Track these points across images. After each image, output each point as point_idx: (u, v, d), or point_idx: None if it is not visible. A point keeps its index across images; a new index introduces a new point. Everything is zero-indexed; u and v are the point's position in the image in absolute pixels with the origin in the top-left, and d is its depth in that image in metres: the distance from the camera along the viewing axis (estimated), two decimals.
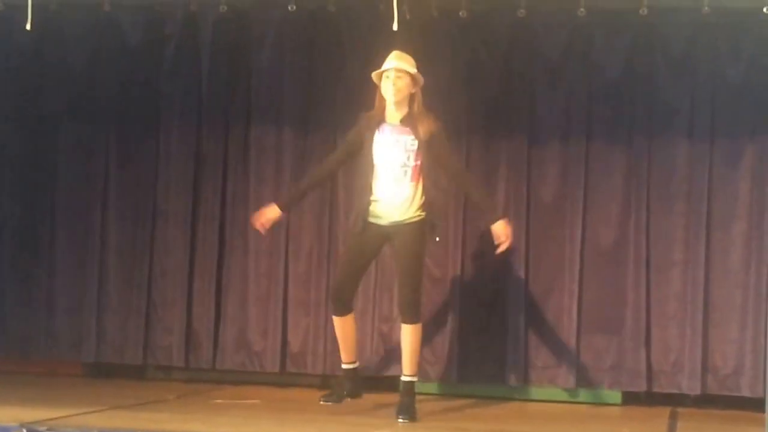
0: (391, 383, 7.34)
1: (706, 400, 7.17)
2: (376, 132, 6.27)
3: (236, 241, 7.72)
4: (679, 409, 7.08)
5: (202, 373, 7.72)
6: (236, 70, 7.76)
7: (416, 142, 6.20)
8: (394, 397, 6.44)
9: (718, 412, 7.06)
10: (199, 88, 7.76)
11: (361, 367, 6.63)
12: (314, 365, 7.52)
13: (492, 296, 7.37)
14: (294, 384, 7.60)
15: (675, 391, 7.18)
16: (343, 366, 6.50)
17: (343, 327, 6.39)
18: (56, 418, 5.80)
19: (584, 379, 7.25)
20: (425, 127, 6.20)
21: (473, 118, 7.40)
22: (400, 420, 6.17)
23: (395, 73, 6.22)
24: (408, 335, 6.23)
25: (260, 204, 7.59)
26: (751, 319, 7.07)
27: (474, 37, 7.32)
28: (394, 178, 6.22)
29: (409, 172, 6.21)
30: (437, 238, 6.39)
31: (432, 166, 6.26)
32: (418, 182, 6.21)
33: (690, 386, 7.11)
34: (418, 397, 6.45)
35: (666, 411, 7.01)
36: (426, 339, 6.80)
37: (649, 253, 7.22)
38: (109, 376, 7.78)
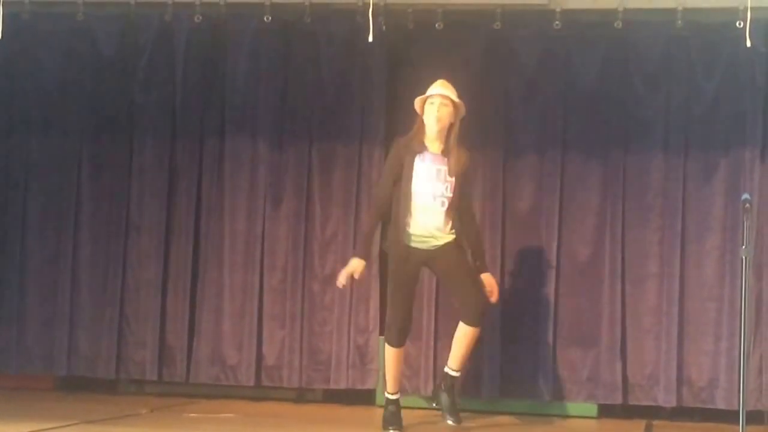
0: (367, 397, 7.34)
1: (682, 413, 7.18)
2: (417, 159, 6.28)
3: (210, 254, 7.66)
4: (655, 422, 7.09)
5: (176, 387, 7.65)
6: (211, 81, 7.72)
7: (452, 176, 6.27)
8: (371, 411, 6.38)
9: (693, 425, 7.08)
10: (173, 99, 7.72)
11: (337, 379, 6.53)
12: (290, 379, 7.47)
13: None
14: (269, 398, 7.56)
15: (650, 403, 7.18)
16: (391, 396, 6.45)
17: (398, 357, 6.44)
18: None
19: (560, 392, 7.24)
20: (459, 159, 6.29)
21: None
22: (450, 422, 6.35)
23: (440, 100, 6.27)
24: (469, 335, 6.34)
25: (235, 217, 7.61)
26: (726, 332, 7.08)
27: (449, 49, 7.31)
28: (431, 206, 6.26)
29: (446, 202, 6.27)
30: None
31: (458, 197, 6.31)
32: (450, 211, 6.28)
33: (665, 399, 7.11)
34: (402, 410, 6.48)
35: (641, 424, 7.03)
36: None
37: (625, 266, 7.23)
38: (81, 391, 7.69)
